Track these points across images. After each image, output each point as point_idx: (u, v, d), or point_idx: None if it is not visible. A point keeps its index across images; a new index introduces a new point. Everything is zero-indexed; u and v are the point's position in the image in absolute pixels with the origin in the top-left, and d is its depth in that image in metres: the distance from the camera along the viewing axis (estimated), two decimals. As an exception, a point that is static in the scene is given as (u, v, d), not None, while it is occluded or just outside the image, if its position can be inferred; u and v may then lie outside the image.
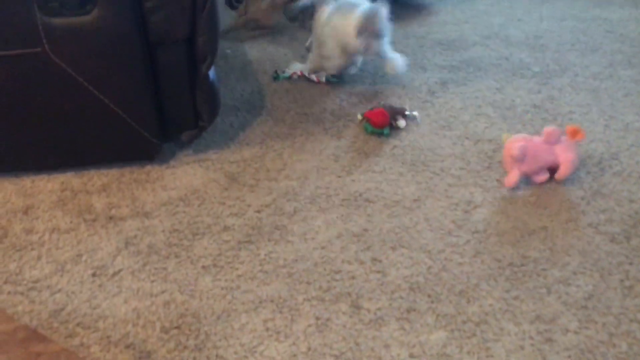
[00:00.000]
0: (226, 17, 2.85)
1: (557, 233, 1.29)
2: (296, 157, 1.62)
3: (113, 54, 1.39)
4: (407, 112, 1.79)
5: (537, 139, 1.45)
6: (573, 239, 1.27)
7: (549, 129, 1.44)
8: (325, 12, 1.97)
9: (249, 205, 1.42)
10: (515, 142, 1.42)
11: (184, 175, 1.55)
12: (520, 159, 1.40)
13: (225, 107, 1.90)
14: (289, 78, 2.11)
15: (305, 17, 2.14)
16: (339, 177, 1.53)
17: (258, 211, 1.40)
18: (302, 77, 2.11)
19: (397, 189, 1.47)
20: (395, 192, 1.46)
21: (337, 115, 1.85)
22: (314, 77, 2.09)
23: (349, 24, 1.85)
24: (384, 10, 1.84)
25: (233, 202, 1.43)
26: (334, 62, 1.98)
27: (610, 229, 1.29)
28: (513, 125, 1.74)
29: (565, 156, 1.41)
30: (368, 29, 1.83)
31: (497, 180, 1.48)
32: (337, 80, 2.08)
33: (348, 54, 1.94)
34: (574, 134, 1.42)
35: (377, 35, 1.86)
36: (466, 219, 1.35)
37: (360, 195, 1.45)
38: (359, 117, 1.77)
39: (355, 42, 1.86)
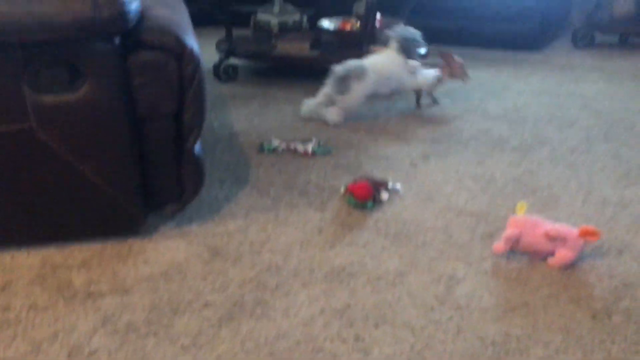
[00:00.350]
0: (214, 88, 2.92)
1: (539, 309, 1.28)
2: (280, 230, 1.63)
3: (100, 130, 1.41)
4: (389, 185, 1.82)
5: (544, 226, 1.43)
6: (555, 315, 1.27)
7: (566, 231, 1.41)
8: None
9: (231, 280, 1.41)
10: (513, 226, 1.45)
11: (167, 249, 1.54)
12: (508, 245, 1.43)
13: (210, 178, 1.92)
14: (275, 150, 2.15)
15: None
16: (322, 250, 1.53)
17: (240, 286, 1.39)
18: (288, 149, 2.15)
19: (380, 262, 1.47)
20: (378, 266, 1.46)
21: (322, 187, 1.87)
22: (300, 148, 2.13)
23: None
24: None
25: (215, 277, 1.42)
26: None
27: (592, 305, 1.29)
28: (493, 199, 1.76)
29: (564, 253, 1.41)
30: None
31: (479, 255, 1.49)
32: (324, 152, 2.11)
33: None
34: (587, 234, 1.39)
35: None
36: (449, 294, 1.35)
37: (344, 269, 1.45)
38: (342, 190, 1.79)
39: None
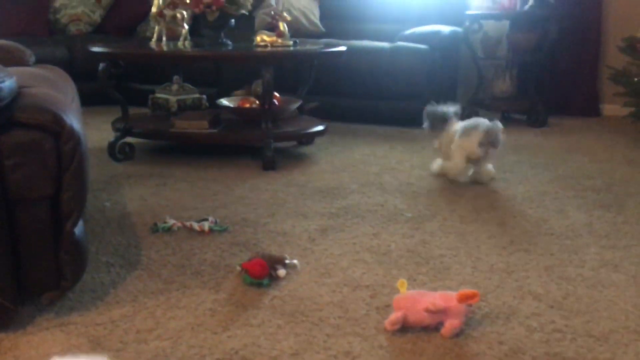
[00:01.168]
0: (109, 167, 2.82)
1: (433, 381, 1.28)
2: (170, 314, 1.54)
3: (-35, 214, 1.30)
4: (287, 261, 1.80)
5: (424, 301, 1.44)
6: (449, 386, 1.26)
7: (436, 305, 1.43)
8: (454, 131, 2.59)
9: (112, 373, 1.30)
10: (396, 307, 1.46)
11: (42, 343, 1.40)
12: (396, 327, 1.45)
13: (96, 263, 1.81)
14: (170, 229, 2.07)
15: (435, 123, 2.71)
16: (215, 333, 1.46)
17: (123, 379, 1.28)
18: (184, 228, 2.08)
19: (275, 343, 1.42)
20: (273, 346, 1.41)
21: (217, 266, 1.81)
22: (196, 226, 2.08)
23: (473, 138, 2.48)
24: (500, 126, 2.49)
25: (95, 371, 1.31)
26: (458, 168, 2.58)
27: (483, 373, 1.31)
28: (389, 270, 1.78)
29: (450, 322, 1.43)
30: (488, 140, 2.46)
31: (375, 327, 1.48)
32: (221, 229, 2.07)
33: (470, 160, 2.55)
34: (465, 298, 1.42)
35: (494, 145, 2.48)
36: (345, 372, 1.31)
37: (237, 352, 1.38)
38: (238, 268, 1.75)
39: (477, 151, 2.47)
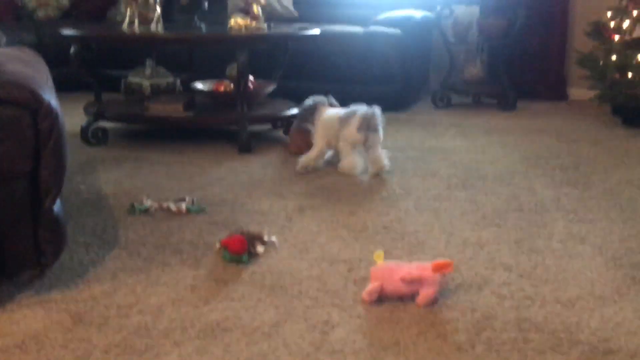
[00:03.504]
0: (82, 152, 2.80)
1: (409, 347, 1.32)
2: (150, 291, 1.56)
3: (-58, 191, 1.29)
4: (265, 237, 1.82)
5: (400, 271, 1.49)
6: (424, 351, 1.31)
7: (412, 274, 1.47)
8: (327, 117, 2.55)
9: (94, 346, 1.31)
10: (373, 278, 1.50)
11: (22, 319, 1.41)
12: (373, 297, 1.48)
13: (74, 243, 1.81)
14: (147, 211, 2.08)
15: (307, 115, 2.65)
16: (196, 307, 1.48)
17: (106, 351, 1.30)
18: (161, 209, 2.09)
19: (256, 315, 1.45)
20: (253, 318, 1.44)
21: (196, 245, 1.83)
22: (173, 207, 2.09)
23: (352, 124, 2.43)
24: (378, 111, 2.45)
25: (77, 344, 1.32)
26: (351, 162, 2.50)
27: (457, 338, 1.36)
28: (366, 246, 1.82)
29: (425, 291, 1.47)
30: (368, 125, 2.41)
31: (353, 299, 1.52)
32: (198, 210, 2.08)
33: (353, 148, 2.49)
34: (439, 268, 1.47)
35: (374, 129, 2.43)
36: (324, 340, 1.35)
37: (218, 324, 1.41)
38: (217, 245, 1.77)
39: (356, 136, 2.42)
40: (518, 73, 4.17)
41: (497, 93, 3.94)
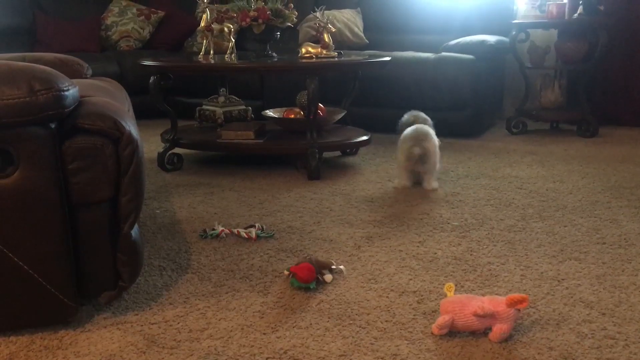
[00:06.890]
0: (158, 177, 2.91)
1: (483, 385, 1.27)
2: (221, 316, 1.58)
3: (32, 217, 1.37)
4: (333, 267, 1.82)
5: (472, 305, 1.44)
6: (499, 390, 1.25)
7: (485, 308, 1.41)
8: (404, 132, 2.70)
9: (166, 370, 1.34)
10: (443, 311, 1.46)
11: (100, 340, 1.46)
12: (444, 331, 1.45)
13: (149, 266, 1.87)
14: (218, 236, 2.12)
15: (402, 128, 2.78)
16: (264, 334, 1.49)
17: (176, 375, 1.32)
18: (231, 234, 2.13)
19: (324, 344, 1.44)
20: (321, 347, 1.42)
21: (265, 271, 1.85)
22: (243, 233, 2.12)
23: (406, 141, 2.60)
24: (427, 128, 2.65)
25: (150, 367, 1.35)
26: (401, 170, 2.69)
27: (534, 379, 1.29)
28: (436, 277, 1.78)
29: (499, 326, 1.42)
30: (418, 138, 2.59)
31: (422, 331, 1.48)
32: (267, 236, 2.11)
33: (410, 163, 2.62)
34: (514, 302, 1.41)
35: (424, 146, 2.58)
36: (393, 374, 1.32)
37: (285, 352, 1.41)
38: (286, 272, 1.78)
39: (413, 150, 2.58)
40: (599, 98, 4.01)
41: (577, 119, 3.79)
